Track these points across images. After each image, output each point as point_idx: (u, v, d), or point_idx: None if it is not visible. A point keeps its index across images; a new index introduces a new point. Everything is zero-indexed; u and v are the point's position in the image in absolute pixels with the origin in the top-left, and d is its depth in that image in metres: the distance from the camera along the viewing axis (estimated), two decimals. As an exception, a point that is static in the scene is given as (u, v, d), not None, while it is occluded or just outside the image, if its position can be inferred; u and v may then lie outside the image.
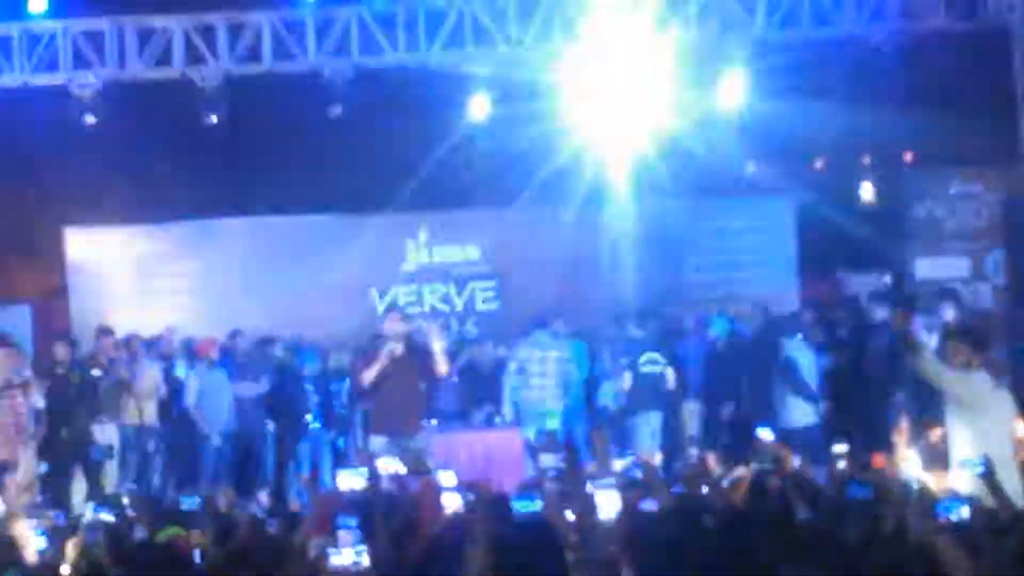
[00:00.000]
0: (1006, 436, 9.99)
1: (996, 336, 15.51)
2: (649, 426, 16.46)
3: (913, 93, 17.60)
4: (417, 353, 14.28)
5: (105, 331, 16.99)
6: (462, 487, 9.97)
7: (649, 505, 8.42)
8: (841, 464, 10.06)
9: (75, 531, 8.31)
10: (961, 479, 9.14)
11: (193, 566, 7.88)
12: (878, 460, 10.21)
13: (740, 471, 10.23)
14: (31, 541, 8.19)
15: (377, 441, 14.16)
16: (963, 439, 10.10)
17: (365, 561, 7.12)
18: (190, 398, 16.91)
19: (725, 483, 9.92)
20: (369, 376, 14.08)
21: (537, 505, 8.21)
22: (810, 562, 7.12)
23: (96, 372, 16.35)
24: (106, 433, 16.27)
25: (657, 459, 15.31)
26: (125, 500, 10.69)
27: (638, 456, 11.42)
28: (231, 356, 17.49)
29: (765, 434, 12.48)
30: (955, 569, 6.59)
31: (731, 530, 7.88)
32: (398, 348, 14.03)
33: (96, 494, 14.77)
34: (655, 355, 16.66)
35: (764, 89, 17.33)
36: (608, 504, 8.39)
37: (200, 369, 17.10)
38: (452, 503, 9.00)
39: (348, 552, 7.14)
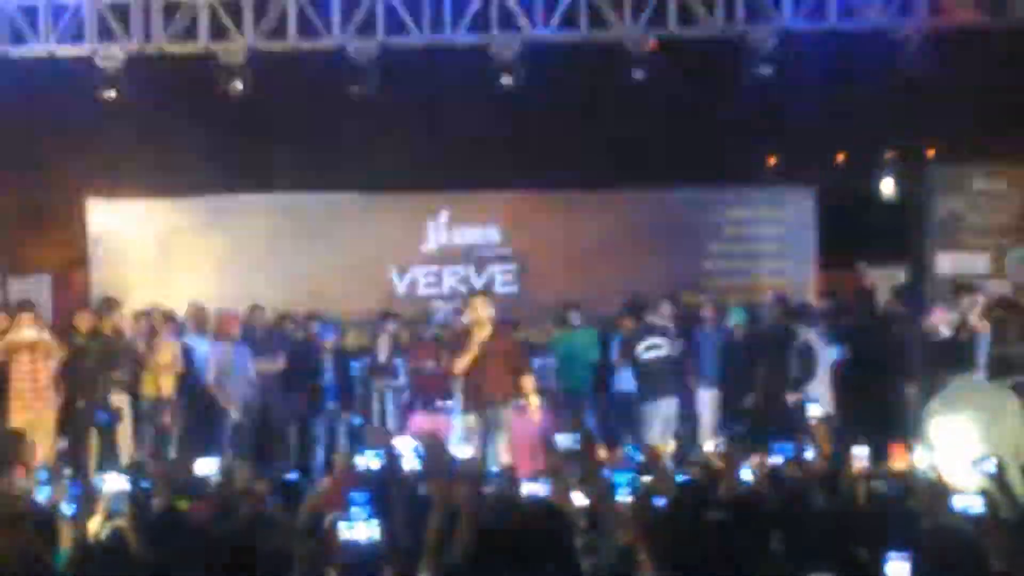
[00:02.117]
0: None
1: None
2: (660, 413, 16.38)
3: (938, 89, 17.56)
4: (504, 332, 14.47)
5: (110, 303, 17.03)
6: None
7: (659, 500, 8.45)
8: (860, 464, 9.98)
9: (93, 500, 8.32)
10: (971, 476, 9.10)
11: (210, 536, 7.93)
12: (897, 451, 10.18)
13: (756, 460, 10.23)
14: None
15: (468, 420, 14.32)
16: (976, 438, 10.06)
17: (377, 535, 7.14)
18: (210, 373, 16.94)
19: (742, 473, 9.90)
20: (462, 364, 14.22)
21: (545, 489, 8.25)
22: (827, 552, 7.14)
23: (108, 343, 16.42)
24: (116, 402, 16.33)
25: (670, 447, 15.32)
26: (143, 469, 10.73)
27: (643, 444, 11.46)
28: (251, 331, 17.53)
29: (815, 410, 12.48)
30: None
31: (739, 522, 7.91)
32: (486, 334, 14.16)
33: (110, 463, 14.83)
34: (654, 340, 16.53)
35: (788, 81, 17.29)
36: (627, 490, 8.40)
37: (220, 344, 17.14)
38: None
39: (360, 526, 7.15)
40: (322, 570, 7.36)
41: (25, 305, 15.87)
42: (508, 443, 14.14)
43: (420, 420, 16.42)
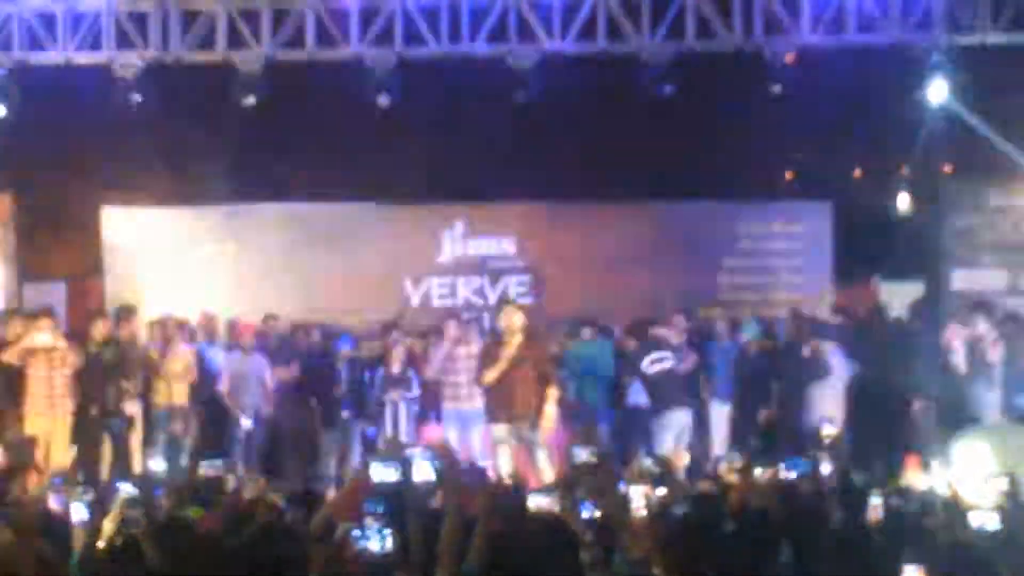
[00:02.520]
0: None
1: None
2: (672, 425, 16.31)
3: (954, 103, 17.53)
4: (534, 342, 14.47)
5: (125, 311, 17.08)
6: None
7: (677, 509, 8.45)
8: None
9: (105, 506, 8.33)
10: (985, 492, 9.10)
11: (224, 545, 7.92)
12: (912, 467, 10.19)
13: (769, 474, 10.20)
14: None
15: (498, 429, 14.31)
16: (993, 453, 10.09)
17: (390, 545, 7.13)
18: (224, 382, 16.95)
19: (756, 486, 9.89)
20: (491, 376, 14.25)
21: (553, 502, 8.25)
22: (842, 567, 7.13)
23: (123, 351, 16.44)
24: (129, 410, 16.35)
25: (684, 459, 15.30)
26: (156, 478, 10.74)
27: (658, 457, 11.48)
28: (265, 340, 17.54)
29: (828, 430, 12.50)
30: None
31: (752, 535, 7.91)
32: (517, 343, 14.19)
33: (123, 471, 14.84)
34: (658, 354, 16.53)
35: (806, 95, 17.29)
36: (642, 503, 8.39)
37: (234, 353, 17.17)
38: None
39: (375, 536, 7.15)
40: (337, 579, 7.36)
41: (43, 311, 15.89)
42: (549, 457, 14.22)
43: (433, 430, 16.42)
